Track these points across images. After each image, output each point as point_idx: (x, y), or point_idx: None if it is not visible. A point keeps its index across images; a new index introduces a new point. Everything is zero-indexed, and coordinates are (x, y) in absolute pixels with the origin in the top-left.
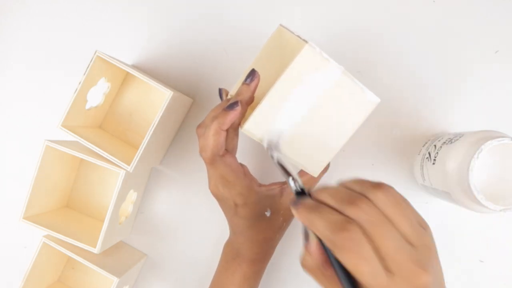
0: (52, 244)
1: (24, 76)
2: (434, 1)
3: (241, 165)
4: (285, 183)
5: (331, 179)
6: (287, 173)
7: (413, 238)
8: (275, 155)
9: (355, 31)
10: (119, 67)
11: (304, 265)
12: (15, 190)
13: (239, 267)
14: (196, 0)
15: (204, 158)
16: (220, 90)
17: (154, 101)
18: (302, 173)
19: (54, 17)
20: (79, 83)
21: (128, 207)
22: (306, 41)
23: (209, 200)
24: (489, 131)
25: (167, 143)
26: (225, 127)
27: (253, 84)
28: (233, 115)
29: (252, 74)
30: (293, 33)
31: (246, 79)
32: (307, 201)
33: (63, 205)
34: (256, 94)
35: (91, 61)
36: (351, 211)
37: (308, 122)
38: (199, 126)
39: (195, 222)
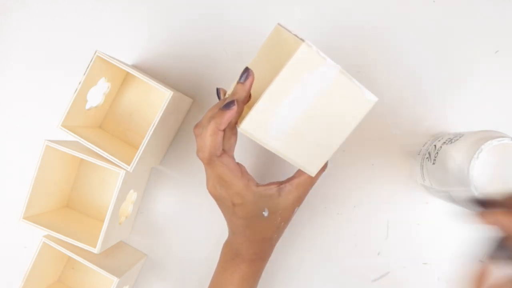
0: (52, 244)
1: (24, 76)
2: (434, 1)
3: (239, 164)
4: (283, 182)
5: (331, 179)
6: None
7: None
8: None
9: (355, 32)
10: (119, 67)
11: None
12: (15, 190)
13: (238, 267)
14: (196, 0)
15: (201, 158)
16: (217, 90)
17: (154, 101)
18: (299, 173)
19: (54, 17)
20: (79, 83)
21: (128, 207)
22: (303, 40)
23: (209, 200)
24: (489, 131)
25: (167, 143)
26: (222, 127)
27: (247, 83)
28: (230, 114)
29: (246, 72)
30: (290, 32)
31: (240, 78)
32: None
33: (63, 205)
34: (254, 94)
35: (91, 61)
36: None
37: (305, 121)
38: (196, 126)
39: (195, 222)
